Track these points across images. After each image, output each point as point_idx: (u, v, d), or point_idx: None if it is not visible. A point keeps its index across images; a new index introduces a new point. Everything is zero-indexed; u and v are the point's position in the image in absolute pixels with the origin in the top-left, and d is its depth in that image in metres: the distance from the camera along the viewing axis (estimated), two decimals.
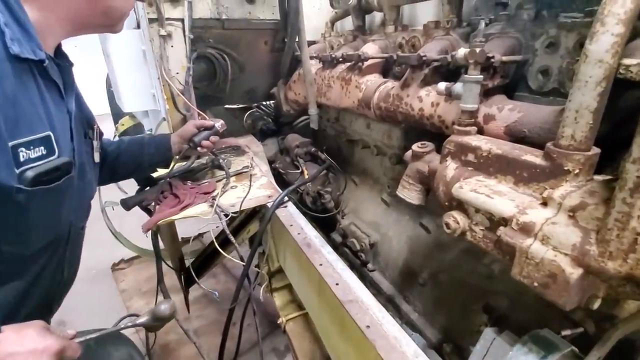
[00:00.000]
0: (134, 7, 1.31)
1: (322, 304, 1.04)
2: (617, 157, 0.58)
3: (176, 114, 1.47)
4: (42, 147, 0.69)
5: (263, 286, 1.52)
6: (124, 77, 1.38)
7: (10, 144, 0.63)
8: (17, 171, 0.65)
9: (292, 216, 1.15)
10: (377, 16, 1.41)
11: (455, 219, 0.66)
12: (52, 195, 0.74)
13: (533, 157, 0.60)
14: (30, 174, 0.66)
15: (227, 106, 2.00)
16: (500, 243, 0.57)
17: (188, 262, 1.76)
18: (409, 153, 0.92)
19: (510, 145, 0.66)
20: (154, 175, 1.45)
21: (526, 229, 0.53)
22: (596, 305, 0.52)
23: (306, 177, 1.48)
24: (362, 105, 1.17)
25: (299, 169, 1.61)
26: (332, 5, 1.35)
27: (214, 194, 1.24)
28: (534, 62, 0.77)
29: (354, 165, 1.64)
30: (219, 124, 1.32)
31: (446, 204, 0.73)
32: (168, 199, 1.23)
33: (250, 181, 1.33)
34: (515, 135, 0.71)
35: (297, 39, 1.40)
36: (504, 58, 0.74)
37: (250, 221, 1.41)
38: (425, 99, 0.92)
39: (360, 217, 1.52)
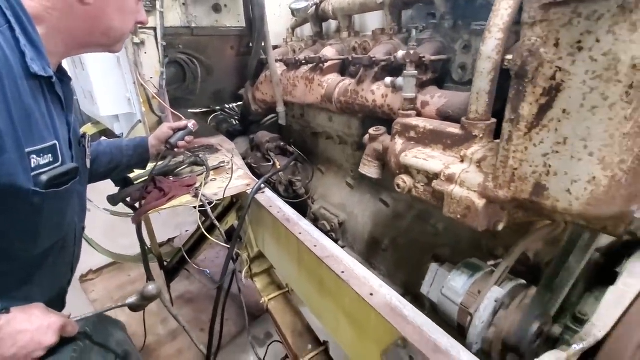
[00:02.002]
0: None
1: (301, 271, 1.21)
2: None
3: (152, 116, 1.56)
4: (49, 155, 0.76)
5: (244, 271, 1.65)
6: (99, 83, 1.45)
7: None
8: (31, 175, 0.72)
9: (270, 199, 1.31)
10: (333, 23, 1.61)
11: (404, 180, 0.86)
12: (61, 197, 0.82)
13: (454, 129, 0.82)
14: (44, 177, 0.74)
15: (190, 110, 2.10)
16: (435, 192, 0.78)
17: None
18: (366, 137, 1.12)
19: (439, 122, 0.88)
20: (130, 175, 1.53)
21: (450, 179, 0.75)
22: (500, 227, 0.74)
23: (278, 167, 1.64)
24: (325, 100, 1.36)
25: (270, 162, 1.77)
26: (293, 14, 1.53)
27: (196, 185, 1.37)
28: (455, 60, 1.00)
29: (319, 156, 1.83)
30: (191, 123, 1.44)
31: (397, 171, 0.93)
32: (153, 193, 1.34)
33: (230, 173, 1.46)
34: (443, 115, 0.93)
35: (263, 44, 1.56)
36: (433, 57, 0.97)
37: (228, 213, 1.54)
38: (377, 92, 1.13)
39: (329, 200, 1.71)
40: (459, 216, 0.73)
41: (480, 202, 0.69)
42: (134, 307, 0.93)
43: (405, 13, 1.21)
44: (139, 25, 1.43)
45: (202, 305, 2.85)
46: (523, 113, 0.60)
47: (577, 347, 0.70)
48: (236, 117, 2.45)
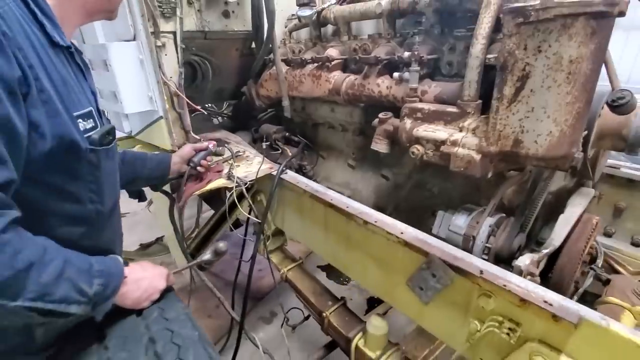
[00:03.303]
0: (131, 21, 1.55)
1: (328, 234, 1.46)
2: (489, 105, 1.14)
3: (173, 112, 1.72)
4: (91, 120, 0.81)
5: (262, 249, 1.87)
6: (124, 83, 1.59)
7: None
8: (85, 137, 0.79)
9: (295, 178, 1.54)
10: (330, 28, 1.87)
11: (418, 149, 1.16)
12: (111, 156, 0.89)
13: (451, 108, 1.13)
14: (95, 136, 0.80)
15: None
16: (442, 154, 1.09)
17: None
18: (376, 120, 1.40)
19: (439, 105, 1.19)
20: None
21: (454, 143, 1.05)
22: (489, 175, 1.06)
23: (289, 154, 1.87)
24: (333, 93, 1.62)
25: (278, 151, 1.99)
26: (299, 20, 1.77)
27: (225, 171, 1.57)
28: (443, 59, 1.31)
29: (319, 144, 2.09)
30: (211, 145, 1.58)
31: (407, 144, 1.23)
32: (190, 181, 1.51)
33: (249, 160, 1.68)
34: (439, 100, 1.24)
35: (270, 46, 1.78)
36: (428, 57, 1.27)
37: (243, 199, 1.71)
38: (382, 85, 1.42)
39: (332, 181, 1.97)
40: (462, 168, 1.04)
41: (477, 156, 1.00)
42: (208, 263, 1.13)
43: (397, 22, 1.51)
44: (161, 31, 1.60)
45: (205, 294, 2.98)
46: (505, 93, 0.91)
47: (544, 251, 1.04)
48: (219, 116, 2.64)
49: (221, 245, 1.17)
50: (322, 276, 3.15)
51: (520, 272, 0.93)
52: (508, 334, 0.89)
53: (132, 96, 1.64)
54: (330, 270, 3.16)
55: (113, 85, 1.60)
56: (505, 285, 0.86)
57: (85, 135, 0.79)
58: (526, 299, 0.83)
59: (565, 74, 0.81)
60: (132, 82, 1.62)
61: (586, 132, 0.98)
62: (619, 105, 0.83)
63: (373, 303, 2.80)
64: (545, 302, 0.81)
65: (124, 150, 1.45)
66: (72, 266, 0.74)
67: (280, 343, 2.32)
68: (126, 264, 0.91)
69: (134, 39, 1.59)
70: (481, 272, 0.91)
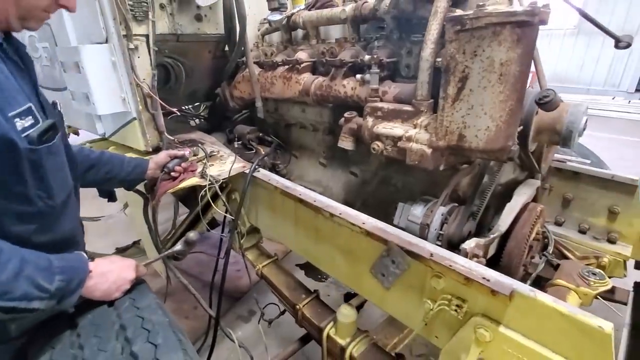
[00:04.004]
0: (103, 24, 1.58)
1: (298, 228, 1.53)
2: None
3: (147, 113, 1.75)
4: (30, 117, 0.80)
5: (237, 247, 1.92)
6: (96, 85, 1.62)
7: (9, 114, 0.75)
8: (23, 136, 0.78)
9: (267, 175, 1.61)
10: (300, 32, 1.94)
11: (378, 145, 1.25)
12: (54, 153, 0.88)
13: (407, 107, 1.23)
14: (34, 134, 0.80)
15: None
16: (399, 149, 1.18)
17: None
18: (342, 119, 1.48)
19: (397, 104, 1.28)
20: None
21: (409, 139, 1.15)
22: (442, 167, 1.16)
23: (262, 153, 1.93)
24: (303, 94, 1.70)
25: (251, 151, 2.05)
26: (269, 24, 1.84)
27: (199, 170, 1.61)
28: (402, 62, 1.41)
29: (292, 144, 2.16)
30: (187, 152, 1.62)
31: (369, 140, 1.31)
32: (164, 181, 1.55)
33: (223, 159, 1.73)
34: (398, 100, 1.34)
35: (243, 48, 1.84)
36: (387, 60, 1.37)
37: (217, 198, 1.76)
38: (347, 86, 1.50)
39: (305, 179, 2.05)
40: (416, 162, 1.13)
41: (429, 151, 1.10)
42: (181, 253, 1.17)
43: (361, 26, 1.60)
44: (134, 34, 1.63)
45: (182, 296, 2.99)
46: (449, 92, 1.01)
47: (491, 236, 1.14)
48: (196, 117, 2.67)
49: (192, 235, 1.21)
50: (300, 274, 3.21)
51: (466, 254, 1.03)
52: (456, 310, 0.98)
53: (104, 98, 1.66)
54: (308, 268, 3.23)
55: (85, 87, 1.62)
56: (451, 266, 0.95)
57: (24, 135, 0.78)
58: (469, 276, 0.92)
59: (497, 75, 0.92)
60: (104, 84, 1.64)
61: (522, 127, 1.09)
62: (545, 102, 0.94)
63: (349, 298, 2.88)
64: (484, 278, 0.90)
65: (102, 150, 1.47)
66: (30, 264, 0.77)
67: (258, 340, 2.36)
68: (92, 259, 0.95)
69: (106, 42, 1.62)
70: (431, 254, 1.00)
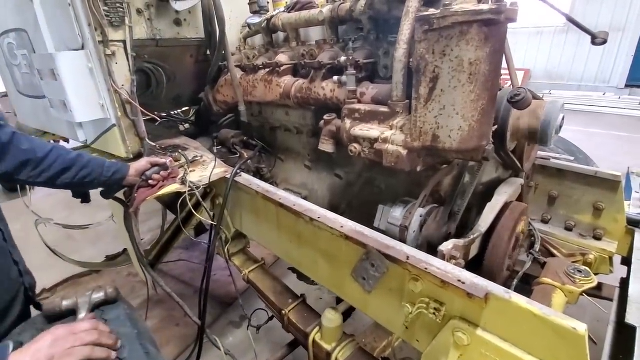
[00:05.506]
0: (79, 30, 1.56)
1: (281, 233, 1.52)
2: None
3: (126, 120, 1.73)
4: None
5: (223, 253, 1.90)
6: (73, 92, 1.59)
7: None
8: None
9: (248, 180, 1.59)
10: (281, 35, 1.93)
11: (355, 147, 1.23)
12: None
13: (384, 108, 1.21)
14: None
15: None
16: (376, 151, 1.16)
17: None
18: (322, 122, 1.47)
19: (374, 106, 1.27)
20: None
21: (385, 140, 1.13)
22: (419, 168, 1.14)
23: (246, 157, 1.91)
24: (284, 97, 1.68)
25: (236, 155, 2.03)
26: (249, 27, 1.82)
27: (180, 176, 1.59)
28: (380, 62, 1.40)
29: (277, 147, 2.14)
30: (168, 160, 1.60)
31: (348, 142, 1.30)
32: (143, 188, 1.52)
33: (205, 164, 1.71)
34: (376, 101, 1.32)
35: (223, 52, 1.82)
36: (365, 61, 1.35)
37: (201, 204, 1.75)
38: (326, 88, 1.49)
39: (291, 182, 2.03)
40: (393, 163, 1.12)
41: (404, 152, 1.08)
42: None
43: (340, 28, 1.59)
44: (111, 39, 1.61)
45: (173, 303, 2.96)
46: (421, 93, 1.00)
47: (471, 237, 1.13)
48: (185, 122, 2.65)
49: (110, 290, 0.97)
50: (292, 278, 3.18)
51: (443, 257, 1.01)
52: (434, 313, 0.97)
53: (82, 105, 1.64)
54: (300, 272, 3.20)
55: (62, 95, 1.60)
56: (427, 269, 0.94)
57: None
58: (444, 279, 0.91)
59: (467, 74, 0.90)
60: (81, 91, 1.62)
61: (497, 126, 1.08)
62: (517, 101, 0.93)
63: (341, 301, 2.86)
64: (459, 280, 0.89)
65: (80, 152, 1.43)
66: None
67: (249, 346, 2.34)
68: (20, 344, 0.77)
69: (83, 48, 1.60)
70: (408, 257, 0.98)
